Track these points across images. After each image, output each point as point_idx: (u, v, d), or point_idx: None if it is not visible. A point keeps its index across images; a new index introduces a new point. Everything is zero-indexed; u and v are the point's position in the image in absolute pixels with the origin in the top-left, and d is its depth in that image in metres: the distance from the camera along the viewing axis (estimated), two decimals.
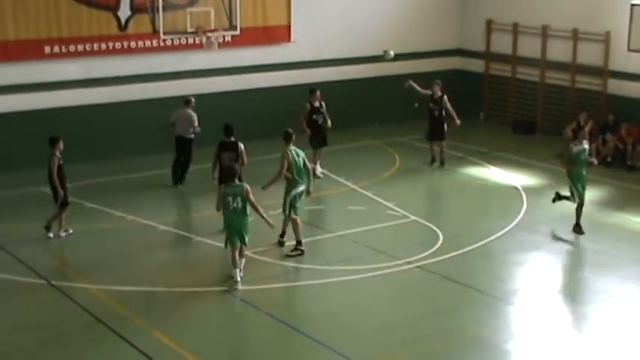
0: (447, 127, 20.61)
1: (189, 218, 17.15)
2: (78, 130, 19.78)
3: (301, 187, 15.13)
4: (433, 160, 20.74)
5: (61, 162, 15.69)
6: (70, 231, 15.99)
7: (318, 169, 19.74)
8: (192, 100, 19.22)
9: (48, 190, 15.99)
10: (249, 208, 13.56)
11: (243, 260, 13.89)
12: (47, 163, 15.65)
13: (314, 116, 19.58)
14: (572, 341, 12.21)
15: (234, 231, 13.56)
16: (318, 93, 19.69)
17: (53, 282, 13.93)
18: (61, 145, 15.74)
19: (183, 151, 18.94)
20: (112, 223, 16.69)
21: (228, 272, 13.90)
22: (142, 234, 16.26)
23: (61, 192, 15.62)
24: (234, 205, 13.40)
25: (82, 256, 15.57)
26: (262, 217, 13.78)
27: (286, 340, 12.33)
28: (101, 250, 15.55)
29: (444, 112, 20.49)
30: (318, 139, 19.74)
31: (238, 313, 13.19)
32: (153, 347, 11.79)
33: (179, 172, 19.00)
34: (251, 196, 13.50)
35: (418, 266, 14.67)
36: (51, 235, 15.84)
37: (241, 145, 16.36)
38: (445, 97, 20.49)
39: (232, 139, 16.41)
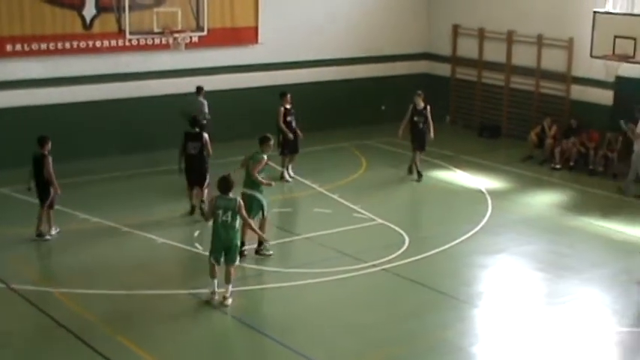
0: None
1: (153, 220, 17.00)
2: (41, 129, 19.20)
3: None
4: (411, 171, 20.31)
5: None
6: (59, 229, 15.91)
7: (287, 174, 19.71)
8: (203, 88, 20.24)
9: (29, 189, 15.81)
10: (239, 223, 13.14)
11: (230, 287, 13.14)
12: (34, 164, 15.50)
13: (288, 118, 19.56)
14: (536, 343, 12.27)
15: (220, 245, 13.04)
16: (289, 96, 19.68)
17: (13, 285, 13.70)
18: (50, 144, 15.63)
19: None
20: (75, 225, 16.49)
21: (194, 275, 13.82)
22: (106, 236, 16.09)
23: (58, 190, 15.57)
24: (224, 218, 12.90)
25: (45, 260, 15.42)
26: (255, 232, 13.80)
27: (253, 344, 12.27)
28: (64, 252, 15.36)
29: (425, 124, 19.92)
30: (290, 146, 19.68)
31: (204, 317, 13.05)
32: (116, 352, 11.63)
33: None
34: (243, 211, 13.04)
35: (384, 269, 14.68)
36: (48, 237, 15.72)
37: (205, 135, 17.01)
38: (428, 107, 20.04)
39: (197, 129, 17.05)
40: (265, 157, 14.93)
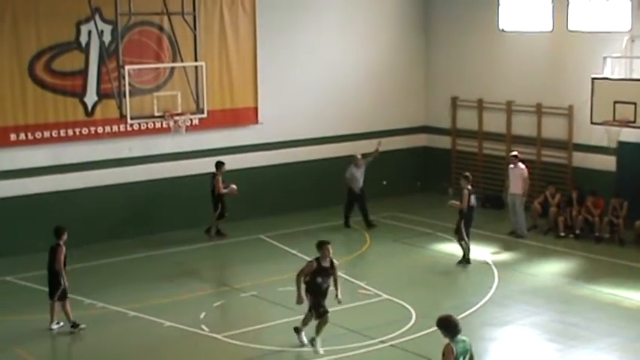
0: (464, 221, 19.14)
1: (159, 303, 16.92)
2: (45, 217, 19.54)
3: None
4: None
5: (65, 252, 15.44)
6: (61, 323, 15.62)
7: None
8: (359, 156, 22.72)
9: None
10: None
11: None
12: (49, 254, 15.39)
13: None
14: None
15: None
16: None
17: None
18: (66, 235, 15.48)
19: (353, 199, 22.61)
20: (81, 311, 16.35)
21: (202, 357, 13.58)
22: (112, 321, 16.00)
23: (66, 283, 15.34)
24: None
25: (52, 347, 15.27)
26: None
27: None
28: (70, 339, 15.24)
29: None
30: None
31: None
32: None
33: (363, 218, 22.69)
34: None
35: (392, 345, 14.53)
36: (55, 327, 15.50)
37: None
38: (467, 190, 19.13)
39: None
40: None
